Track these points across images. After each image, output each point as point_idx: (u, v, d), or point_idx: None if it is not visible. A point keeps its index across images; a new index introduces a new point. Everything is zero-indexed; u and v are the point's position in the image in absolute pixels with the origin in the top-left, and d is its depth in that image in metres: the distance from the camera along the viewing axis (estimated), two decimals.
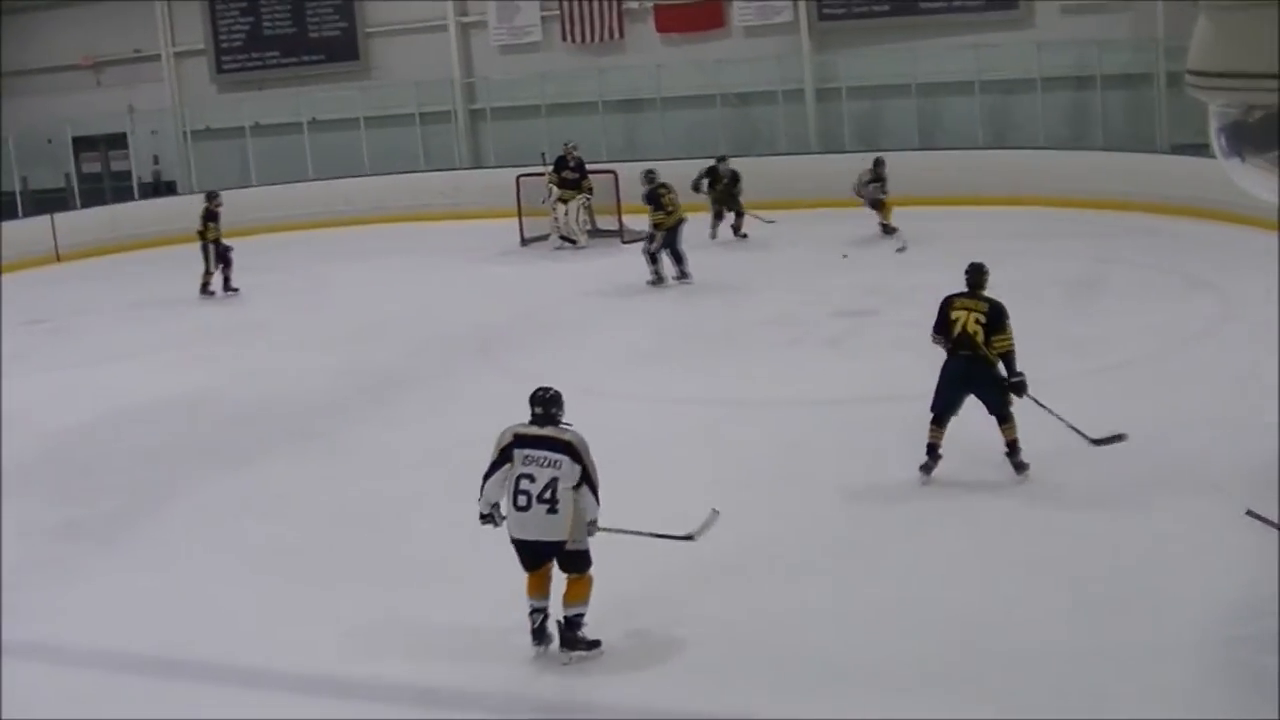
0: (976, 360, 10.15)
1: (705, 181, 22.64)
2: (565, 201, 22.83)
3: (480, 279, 20.69)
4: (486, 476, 8.08)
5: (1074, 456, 10.67)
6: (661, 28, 28.45)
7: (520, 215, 23.62)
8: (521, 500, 7.90)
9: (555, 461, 7.92)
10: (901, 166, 24.41)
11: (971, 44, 25.54)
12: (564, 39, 29.18)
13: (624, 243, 22.89)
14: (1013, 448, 10.29)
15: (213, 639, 8.76)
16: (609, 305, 18.13)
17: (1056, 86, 25.57)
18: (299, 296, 20.62)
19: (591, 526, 8.14)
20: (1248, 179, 3.42)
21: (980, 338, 10.12)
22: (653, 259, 19.06)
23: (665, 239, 19.10)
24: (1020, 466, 10.32)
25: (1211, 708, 7.10)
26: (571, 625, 8.08)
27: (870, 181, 21.84)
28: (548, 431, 8.04)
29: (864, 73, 26.83)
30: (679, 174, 25.86)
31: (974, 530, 9.65)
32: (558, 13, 29.11)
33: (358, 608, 9.05)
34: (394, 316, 18.31)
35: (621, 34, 28.82)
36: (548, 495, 7.86)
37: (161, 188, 31.41)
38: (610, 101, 28.67)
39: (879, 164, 21.94)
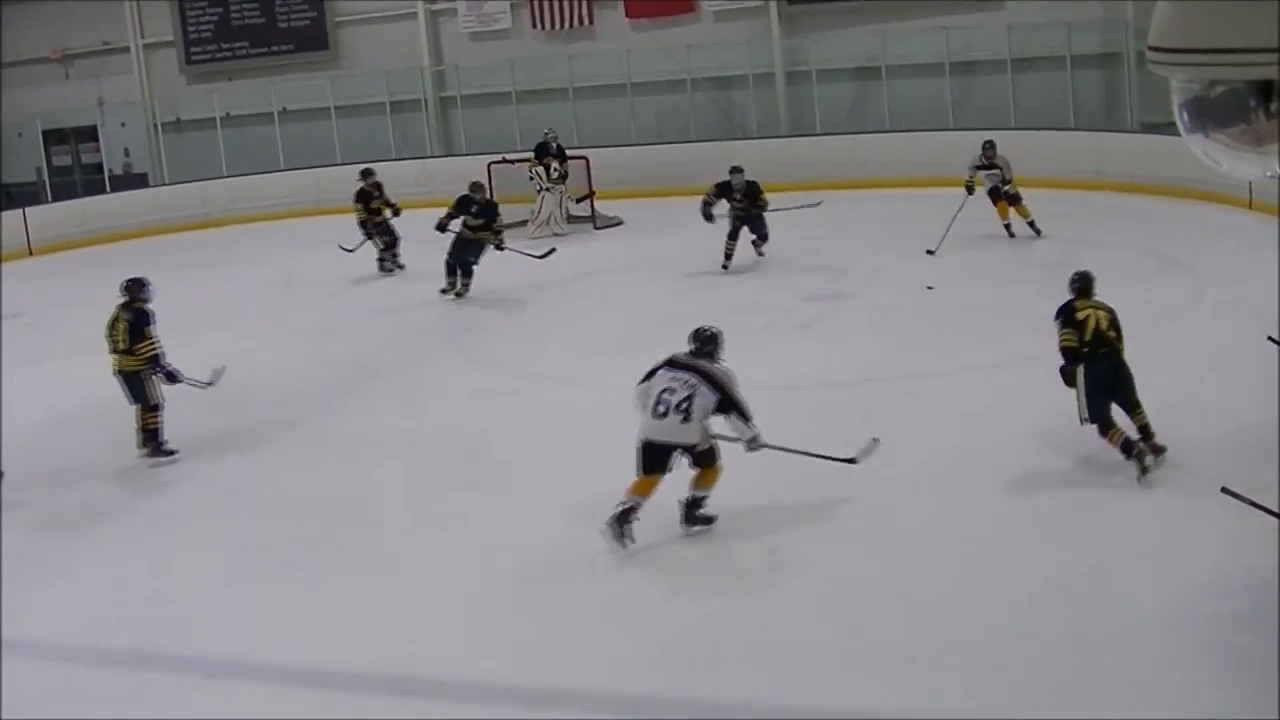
0: (1117, 356, 10.09)
1: (716, 200, 18.61)
2: (549, 189, 22.72)
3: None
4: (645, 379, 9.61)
5: (1047, 438, 10.74)
6: (631, 13, 28.42)
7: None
8: (660, 409, 9.25)
9: (694, 384, 9.25)
10: (873, 149, 24.56)
11: (941, 26, 25.57)
12: (533, 26, 29.16)
13: (597, 228, 22.90)
14: (1146, 432, 10.05)
15: (193, 632, 8.77)
16: (581, 292, 18.12)
17: (1027, 68, 25.64)
18: (272, 287, 20.56)
19: (754, 444, 9.43)
20: (1210, 154, 3.45)
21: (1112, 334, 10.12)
22: (469, 272, 18.11)
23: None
24: (1158, 449, 9.99)
25: (1188, 686, 7.14)
26: (695, 504, 9.48)
27: (980, 168, 18.87)
28: (696, 362, 9.44)
29: (834, 56, 26.86)
30: (650, 159, 26.09)
31: (948, 514, 9.69)
32: None
33: (339, 599, 9.06)
34: (367, 306, 18.29)
35: (591, 20, 28.80)
36: (684, 406, 9.19)
37: (132, 180, 31.25)
38: (580, 88, 28.62)
39: (989, 146, 18.95)
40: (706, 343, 9.62)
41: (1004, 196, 18.82)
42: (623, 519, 9.19)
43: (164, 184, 30.34)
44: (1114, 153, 22.39)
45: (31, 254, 25.91)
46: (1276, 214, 17.00)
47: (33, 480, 11.71)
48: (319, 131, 29.80)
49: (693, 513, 9.47)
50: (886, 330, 14.55)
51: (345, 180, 27.74)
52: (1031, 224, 18.78)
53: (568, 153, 23.44)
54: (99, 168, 31.52)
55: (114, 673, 8.42)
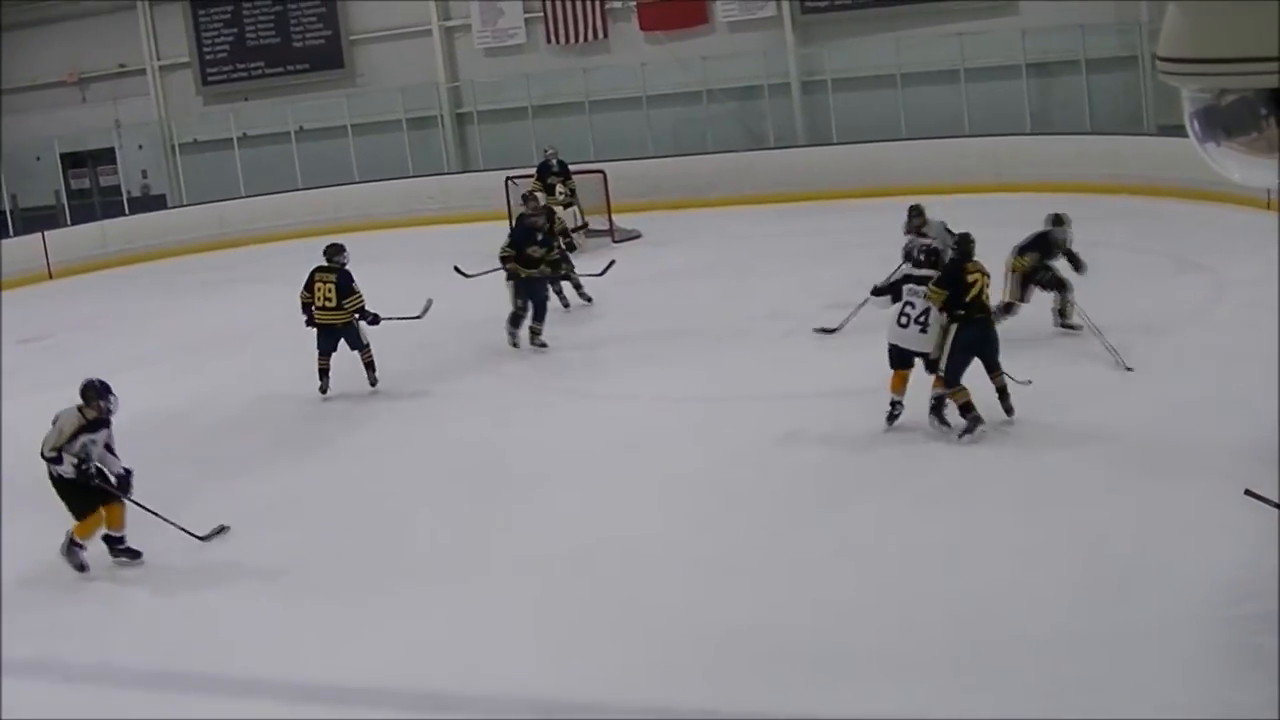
0: (989, 323, 11.28)
1: (1034, 255, 13.93)
2: (565, 206, 22.59)
3: (471, 282, 20.68)
4: (878, 292, 11.61)
5: (1069, 441, 10.74)
6: (645, 26, 28.44)
7: (510, 217, 23.54)
8: (903, 320, 11.05)
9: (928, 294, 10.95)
10: (889, 157, 24.53)
11: (955, 32, 25.55)
12: (548, 40, 29.19)
13: (615, 242, 22.89)
14: (1004, 393, 11.23)
15: (218, 649, 8.81)
16: (601, 305, 18.09)
17: (1042, 72, 25.62)
18: (291, 306, 20.56)
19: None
20: (1222, 163, 3.45)
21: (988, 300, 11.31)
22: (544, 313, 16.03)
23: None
24: (1010, 410, 11.22)
25: (1211, 688, 7.16)
26: (940, 403, 11.12)
27: (910, 231, 14.76)
28: (930, 274, 11.06)
29: (848, 64, 26.83)
30: (667, 171, 26.11)
31: (971, 516, 9.69)
32: (541, 14, 29.12)
33: (361, 613, 9.09)
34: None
35: (605, 33, 28.83)
36: (922, 319, 10.94)
37: (150, 202, 31.35)
38: (596, 101, 28.66)
39: (915, 213, 15.05)
40: (930, 254, 11.38)
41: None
42: (892, 417, 11.28)
43: (182, 205, 30.45)
44: (1131, 156, 22.35)
45: (51, 277, 26.05)
46: None
47: (51, 502, 11.77)
48: (336, 150, 29.88)
49: (939, 411, 11.14)
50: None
51: (363, 198, 28.02)
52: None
53: (583, 167, 23.40)
54: (117, 190, 31.61)
55: (136, 692, 8.46)
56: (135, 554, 10.37)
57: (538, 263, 15.86)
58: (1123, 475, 10.09)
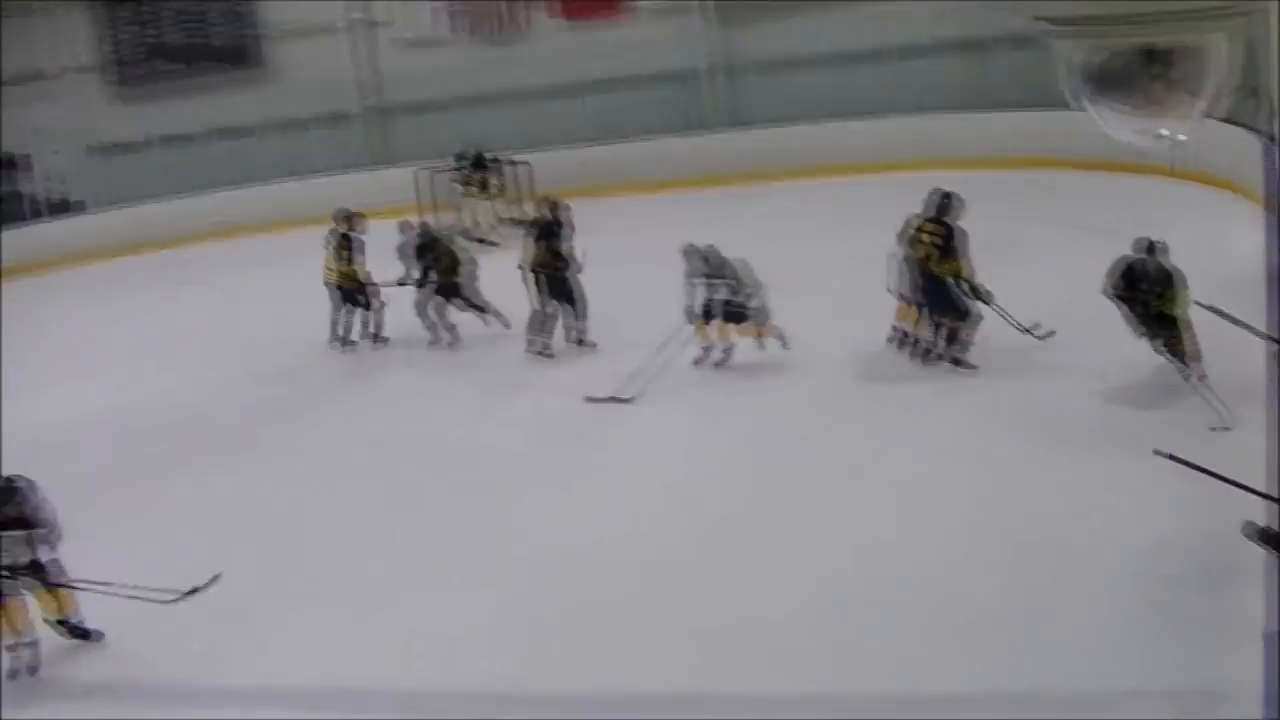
0: (926, 275, 12.56)
1: (1120, 285, 11.77)
2: (489, 199, 22.49)
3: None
4: None
5: (993, 415, 10.80)
6: (565, 14, 28.29)
7: (420, 210, 23.28)
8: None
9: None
10: (811, 139, 24.55)
11: (874, 13, 25.55)
12: (468, 32, 29.00)
13: None
14: (951, 338, 12.50)
15: (158, 657, 8.84)
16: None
17: (959, 49, 25.65)
18: (214, 308, 20.39)
19: None
20: (1107, 122, 3.43)
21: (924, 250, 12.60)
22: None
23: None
24: (950, 358, 12.46)
25: (1146, 646, 7.36)
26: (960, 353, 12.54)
27: (704, 276, 13.97)
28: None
29: (770, 48, 26.84)
30: (590, 159, 26.01)
31: (906, 498, 9.80)
32: (460, 5, 28.93)
33: (306, 616, 9.14)
34: (313, 321, 18.09)
35: (526, 23, 28.68)
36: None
37: (67, 207, 30.90)
38: (517, 91, 28.47)
39: (691, 253, 14.18)
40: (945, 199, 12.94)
41: (729, 315, 13.90)
42: (902, 342, 13.02)
43: (99, 210, 29.97)
44: (1051, 130, 22.28)
45: None
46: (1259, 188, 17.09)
47: None
48: (253, 148, 29.56)
49: (959, 358, 12.47)
50: (851, 315, 14.44)
51: (283, 196, 27.76)
52: (779, 337, 13.83)
53: (505, 160, 23.29)
54: (32, 196, 31.17)
55: (81, 702, 8.53)
56: (87, 634, 9.18)
57: (565, 258, 15.18)
58: (1047, 445, 10.28)
